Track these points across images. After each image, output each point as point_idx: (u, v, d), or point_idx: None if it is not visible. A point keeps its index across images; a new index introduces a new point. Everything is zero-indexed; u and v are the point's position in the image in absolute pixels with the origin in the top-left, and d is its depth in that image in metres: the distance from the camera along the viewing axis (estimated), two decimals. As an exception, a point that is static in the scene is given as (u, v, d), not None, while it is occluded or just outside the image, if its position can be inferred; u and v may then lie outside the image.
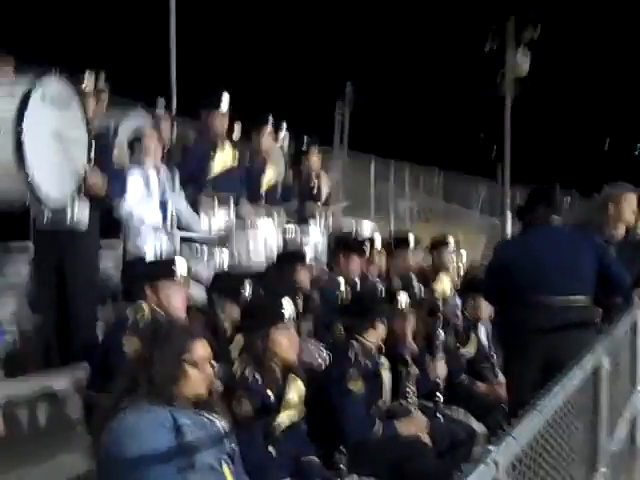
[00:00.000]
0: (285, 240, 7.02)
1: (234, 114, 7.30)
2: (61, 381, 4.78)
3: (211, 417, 3.00)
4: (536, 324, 4.79)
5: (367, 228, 7.85)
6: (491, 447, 1.95)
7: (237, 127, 7.62)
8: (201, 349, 3.12)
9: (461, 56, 27.21)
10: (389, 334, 5.03)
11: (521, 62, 19.14)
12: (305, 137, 8.25)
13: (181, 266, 4.40)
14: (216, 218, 6.73)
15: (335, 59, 27.09)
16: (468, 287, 6.71)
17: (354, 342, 4.74)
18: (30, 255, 6.42)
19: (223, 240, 6.54)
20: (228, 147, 6.98)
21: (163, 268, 4.40)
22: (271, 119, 7.55)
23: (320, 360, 4.74)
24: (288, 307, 3.99)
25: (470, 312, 6.49)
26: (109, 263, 6.97)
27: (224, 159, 6.91)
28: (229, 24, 26.15)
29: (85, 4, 22.35)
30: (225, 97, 6.88)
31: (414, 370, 5.13)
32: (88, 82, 5.64)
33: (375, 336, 4.86)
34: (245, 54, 26.39)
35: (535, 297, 4.85)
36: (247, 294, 4.89)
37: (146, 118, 7.45)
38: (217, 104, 6.84)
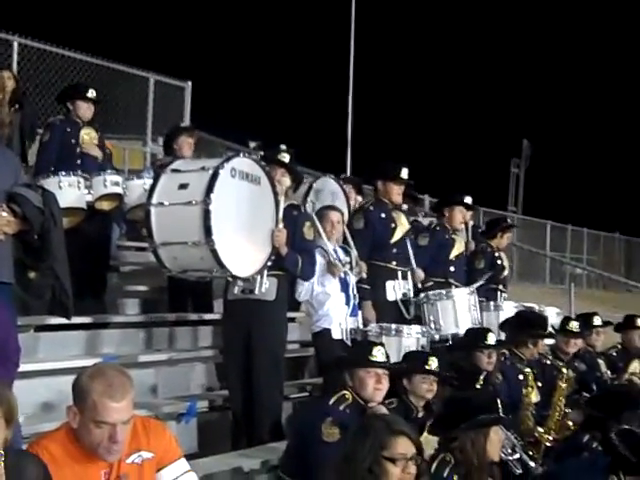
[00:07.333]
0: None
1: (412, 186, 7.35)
2: (250, 461, 4.86)
3: None
4: None
5: (551, 314, 7.56)
6: None
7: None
8: (402, 446, 3.04)
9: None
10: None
11: None
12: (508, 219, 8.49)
13: (378, 353, 4.42)
14: (396, 288, 6.77)
15: (511, 115, 26.74)
16: None
17: None
18: (215, 327, 6.69)
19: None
20: (404, 218, 7.01)
21: (359, 355, 4.43)
22: (469, 199, 7.54)
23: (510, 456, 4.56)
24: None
25: None
26: (293, 336, 7.11)
27: (401, 230, 6.94)
28: (403, 93, 26.54)
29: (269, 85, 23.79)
30: (404, 169, 6.94)
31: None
32: (280, 157, 5.79)
33: None
34: (418, 115, 26.60)
35: None
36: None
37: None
38: (393, 175, 6.91)
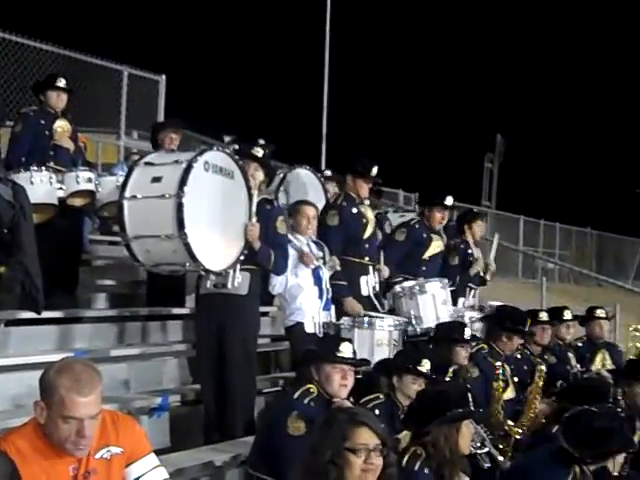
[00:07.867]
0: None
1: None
2: (222, 455, 4.87)
3: None
4: None
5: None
6: None
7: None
8: (363, 436, 2.99)
9: (623, 102, 26.28)
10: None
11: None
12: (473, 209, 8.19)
13: (345, 349, 4.43)
14: (369, 283, 6.79)
15: (485, 110, 26.85)
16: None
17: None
18: (187, 322, 6.69)
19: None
20: (370, 212, 7.05)
21: (326, 350, 4.44)
22: (449, 200, 7.56)
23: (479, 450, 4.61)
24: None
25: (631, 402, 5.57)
26: (266, 331, 7.12)
27: (371, 225, 6.97)
28: (378, 88, 26.60)
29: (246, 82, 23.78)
30: (374, 167, 6.97)
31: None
32: (256, 152, 5.76)
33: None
34: (392, 111, 26.67)
35: None
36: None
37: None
38: (364, 172, 6.92)
